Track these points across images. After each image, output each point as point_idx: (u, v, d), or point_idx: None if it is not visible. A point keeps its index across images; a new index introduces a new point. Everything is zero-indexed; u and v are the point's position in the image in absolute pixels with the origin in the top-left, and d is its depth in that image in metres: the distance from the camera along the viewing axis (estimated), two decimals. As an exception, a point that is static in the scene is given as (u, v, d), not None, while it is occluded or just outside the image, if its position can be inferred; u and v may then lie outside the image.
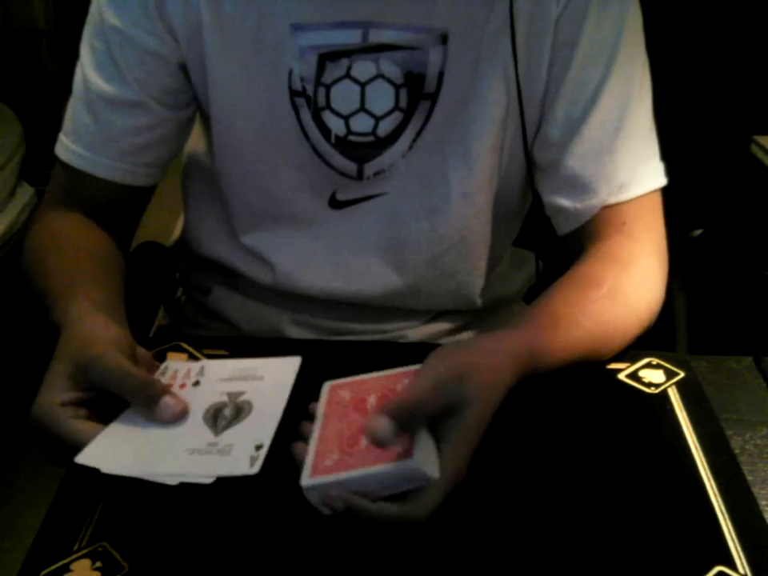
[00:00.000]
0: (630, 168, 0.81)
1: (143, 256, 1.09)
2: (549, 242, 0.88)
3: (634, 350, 0.77)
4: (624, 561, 0.57)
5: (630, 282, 0.78)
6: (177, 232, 1.01)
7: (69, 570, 0.55)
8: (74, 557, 0.56)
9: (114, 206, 0.87)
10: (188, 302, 1.02)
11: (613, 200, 0.81)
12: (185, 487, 0.61)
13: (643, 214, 0.82)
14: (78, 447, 0.58)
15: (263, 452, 0.56)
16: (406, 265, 0.87)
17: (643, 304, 0.79)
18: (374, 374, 0.64)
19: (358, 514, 0.56)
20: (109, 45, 0.80)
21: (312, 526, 0.58)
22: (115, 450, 0.58)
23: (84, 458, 0.58)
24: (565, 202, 0.83)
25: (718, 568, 0.56)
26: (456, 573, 0.56)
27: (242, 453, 0.57)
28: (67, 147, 0.84)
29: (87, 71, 0.82)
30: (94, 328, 0.66)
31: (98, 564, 0.55)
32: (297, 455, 0.59)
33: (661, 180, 0.83)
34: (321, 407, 0.62)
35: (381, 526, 0.56)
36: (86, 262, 0.81)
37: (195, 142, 0.93)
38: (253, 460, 0.56)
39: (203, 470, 0.56)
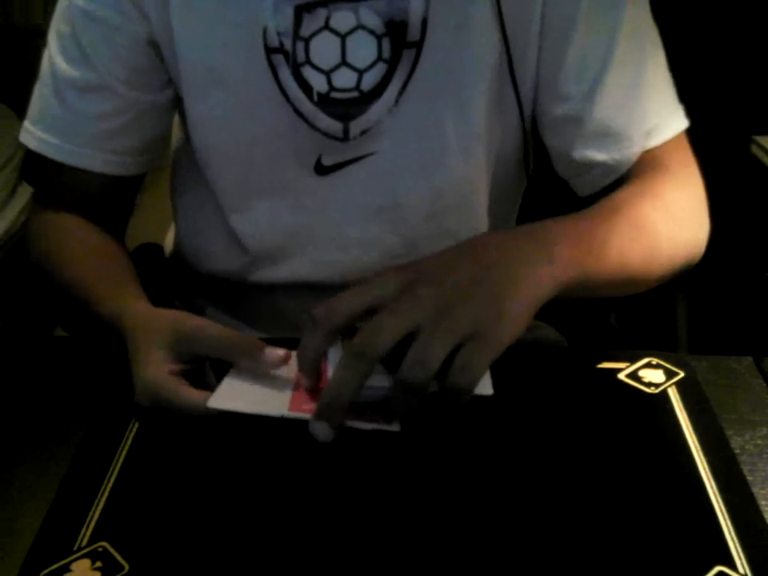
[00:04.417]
0: (656, 114, 0.79)
1: (142, 258, 1.09)
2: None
3: (633, 349, 0.77)
4: (624, 561, 0.57)
5: (678, 204, 0.77)
6: (170, 245, 1.00)
7: (69, 570, 0.55)
8: (74, 557, 0.56)
9: (92, 198, 0.85)
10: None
11: (651, 144, 0.79)
12: (186, 486, 0.61)
13: (676, 153, 0.81)
14: (194, 412, 0.61)
15: None
16: (405, 225, 0.84)
17: (695, 226, 0.78)
18: None
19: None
20: (74, 27, 0.78)
21: (313, 524, 0.58)
22: (244, 393, 0.62)
23: (215, 401, 0.61)
24: (599, 155, 0.80)
25: (717, 568, 0.56)
26: (456, 573, 0.56)
27: None
28: (34, 134, 0.82)
29: (54, 56, 0.80)
30: (173, 311, 0.68)
31: (98, 564, 0.55)
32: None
33: (685, 122, 0.82)
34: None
35: None
36: (112, 259, 0.81)
37: (176, 143, 0.90)
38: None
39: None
